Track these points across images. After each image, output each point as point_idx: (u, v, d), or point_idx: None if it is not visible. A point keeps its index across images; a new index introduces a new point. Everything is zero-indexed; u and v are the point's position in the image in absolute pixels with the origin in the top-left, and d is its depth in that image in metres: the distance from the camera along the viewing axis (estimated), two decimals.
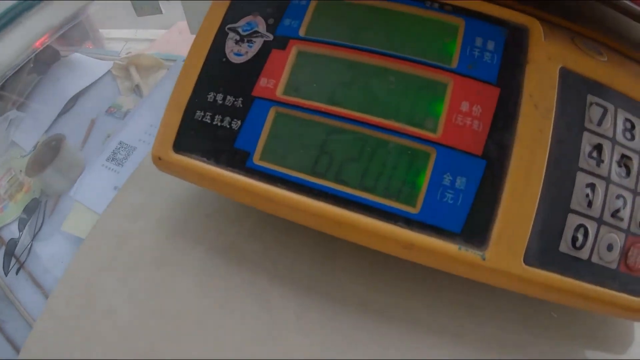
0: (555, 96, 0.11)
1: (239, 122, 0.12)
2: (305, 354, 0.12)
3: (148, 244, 0.15)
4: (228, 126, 0.12)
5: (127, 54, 0.33)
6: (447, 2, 0.12)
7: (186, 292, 0.13)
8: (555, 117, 0.11)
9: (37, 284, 0.31)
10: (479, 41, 0.11)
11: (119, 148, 0.27)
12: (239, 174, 0.11)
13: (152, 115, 0.28)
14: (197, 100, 0.12)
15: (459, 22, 0.12)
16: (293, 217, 0.11)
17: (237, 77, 0.12)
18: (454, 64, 0.11)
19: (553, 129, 0.11)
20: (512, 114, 0.11)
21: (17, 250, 0.32)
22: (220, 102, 0.12)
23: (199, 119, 0.12)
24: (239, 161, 0.11)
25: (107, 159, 0.26)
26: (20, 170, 0.32)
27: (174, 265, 0.14)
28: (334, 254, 0.14)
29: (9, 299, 0.32)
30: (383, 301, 0.12)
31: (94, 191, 0.25)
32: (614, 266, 0.11)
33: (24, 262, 0.32)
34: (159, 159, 0.13)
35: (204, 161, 0.12)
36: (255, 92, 0.12)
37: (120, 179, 0.26)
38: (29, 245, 0.32)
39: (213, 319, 0.12)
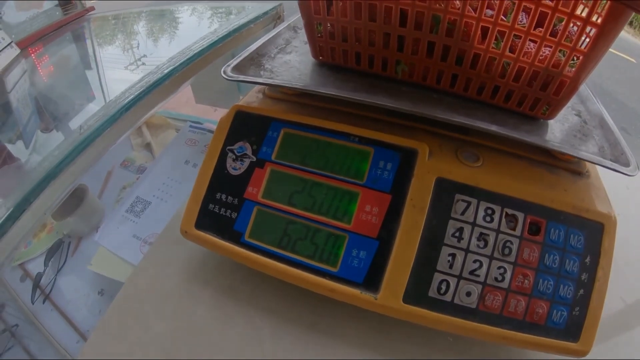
0: (430, 198, 0.26)
1: (236, 214, 0.27)
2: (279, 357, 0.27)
3: (174, 284, 0.31)
4: (229, 215, 0.28)
5: None
6: (363, 135, 0.27)
7: (199, 316, 0.29)
8: (428, 212, 0.26)
9: (61, 312, 0.50)
10: (381, 163, 0.26)
11: (136, 202, 0.44)
12: (236, 245, 0.27)
13: (163, 175, 0.45)
14: (209, 197, 0.28)
15: (370, 150, 0.27)
16: (268, 272, 0.27)
17: (234, 184, 0.28)
18: (364, 180, 0.26)
19: (425, 220, 0.25)
20: (398, 212, 0.25)
21: (42, 283, 0.52)
22: (224, 200, 0.28)
23: (211, 209, 0.28)
24: (236, 238, 0.27)
25: (127, 211, 0.44)
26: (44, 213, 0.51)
27: (192, 299, 0.30)
28: (300, 294, 0.29)
29: (35, 325, 0.52)
30: (332, 323, 0.27)
31: (116, 238, 0.43)
32: (474, 306, 0.25)
33: (49, 293, 0.51)
34: (185, 232, 0.29)
35: (214, 236, 0.28)
36: (245, 195, 0.27)
37: (138, 229, 0.43)
38: (53, 279, 0.51)
39: (217, 334, 0.28)
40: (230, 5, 0.65)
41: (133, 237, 0.43)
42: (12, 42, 0.70)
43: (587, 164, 0.30)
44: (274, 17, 0.52)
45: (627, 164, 0.27)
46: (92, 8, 0.88)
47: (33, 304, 0.51)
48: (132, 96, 0.36)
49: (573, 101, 0.34)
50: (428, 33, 0.26)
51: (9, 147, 0.53)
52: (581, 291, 0.26)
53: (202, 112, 0.59)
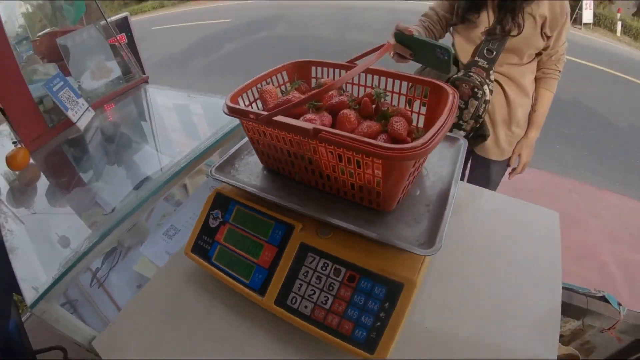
0: (295, 253, 0.52)
1: (209, 247, 0.59)
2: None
3: (184, 280, 0.63)
4: (206, 247, 0.59)
5: None
6: (270, 214, 0.55)
7: (188, 295, 0.60)
8: (293, 260, 0.52)
9: (109, 295, 0.89)
10: (277, 231, 0.54)
11: (170, 228, 0.80)
12: (207, 263, 0.58)
13: (192, 210, 0.79)
14: (199, 237, 0.60)
15: (272, 222, 0.55)
16: (220, 279, 0.56)
17: (211, 232, 0.59)
18: (268, 238, 0.54)
19: (291, 264, 0.52)
20: (280, 257, 0.53)
21: (100, 275, 0.92)
22: (205, 239, 0.59)
23: (199, 243, 0.60)
24: (208, 259, 0.58)
25: (163, 234, 0.80)
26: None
27: (185, 289, 0.61)
28: (234, 295, 0.57)
29: (89, 301, 0.92)
30: (244, 311, 0.55)
31: (154, 251, 0.79)
32: (308, 314, 0.50)
33: (103, 282, 0.91)
34: (186, 253, 0.61)
35: (198, 257, 0.59)
36: (215, 238, 0.58)
37: (170, 247, 0.79)
38: (107, 273, 0.90)
39: (198, 313, 0.58)
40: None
41: (165, 253, 0.77)
42: (89, 107, 1.17)
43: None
44: None
45: (429, 246, 0.47)
46: (147, 77, 1.37)
47: (91, 287, 0.91)
48: (168, 177, 0.71)
49: (436, 195, 0.54)
50: (303, 162, 0.52)
51: (82, 175, 0.94)
52: (378, 323, 0.47)
53: None
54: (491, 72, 1.11)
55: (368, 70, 0.62)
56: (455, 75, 1.14)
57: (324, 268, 0.50)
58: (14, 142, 1.14)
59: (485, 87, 1.10)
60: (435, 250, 0.47)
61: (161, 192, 0.74)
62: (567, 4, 1.01)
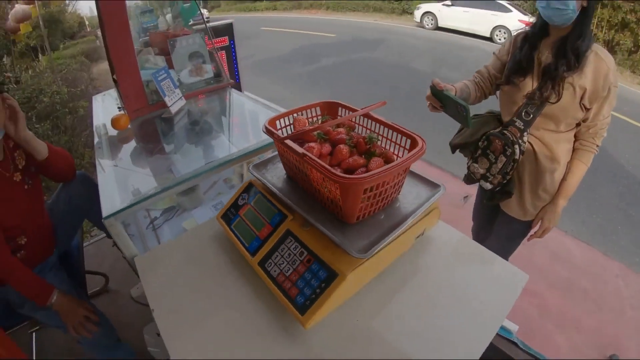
0: (281, 234, 0.76)
1: (233, 217, 0.86)
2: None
3: (210, 237, 0.92)
4: (231, 216, 0.87)
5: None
6: (275, 205, 0.80)
7: (215, 255, 0.88)
8: (278, 239, 0.76)
9: (157, 239, 1.27)
10: (276, 216, 0.79)
11: (219, 203, 1.11)
12: (228, 227, 0.86)
13: None
14: (229, 209, 0.89)
15: (275, 210, 0.80)
16: (233, 242, 0.83)
17: (237, 207, 0.87)
18: (270, 220, 0.79)
19: (276, 241, 0.76)
20: (272, 234, 0.78)
21: (156, 223, 1.29)
22: (232, 211, 0.88)
23: (227, 213, 0.89)
24: (230, 224, 0.86)
25: (213, 206, 1.11)
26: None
27: (212, 242, 0.90)
28: (238, 255, 0.83)
29: (141, 239, 1.30)
30: (242, 264, 0.81)
31: (201, 215, 1.12)
32: (275, 276, 0.74)
33: (157, 229, 1.28)
34: (217, 218, 0.90)
35: (224, 222, 0.88)
36: (238, 212, 0.86)
37: (213, 215, 1.09)
38: (162, 223, 1.27)
39: (212, 261, 0.87)
40: None
41: (208, 218, 1.06)
42: (182, 96, 1.50)
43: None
44: None
45: (363, 253, 0.66)
46: (232, 82, 1.70)
47: (146, 229, 1.25)
48: (223, 161, 1.00)
49: (393, 223, 0.73)
50: (303, 174, 0.76)
51: (165, 146, 1.28)
52: (313, 296, 0.68)
53: None
54: (525, 133, 1.17)
55: (374, 119, 0.83)
56: (492, 131, 1.23)
57: (294, 249, 0.73)
58: (118, 108, 1.54)
59: (516, 146, 1.17)
60: (366, 256, 0.66)
61: (214, 171, 1.04)
62: (612, 79, 1.03)
